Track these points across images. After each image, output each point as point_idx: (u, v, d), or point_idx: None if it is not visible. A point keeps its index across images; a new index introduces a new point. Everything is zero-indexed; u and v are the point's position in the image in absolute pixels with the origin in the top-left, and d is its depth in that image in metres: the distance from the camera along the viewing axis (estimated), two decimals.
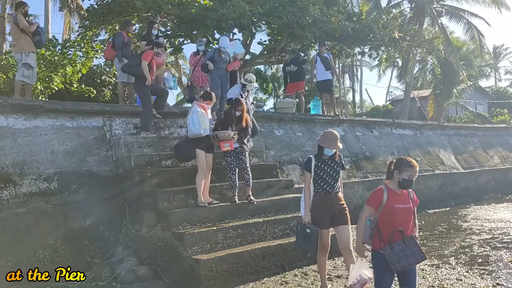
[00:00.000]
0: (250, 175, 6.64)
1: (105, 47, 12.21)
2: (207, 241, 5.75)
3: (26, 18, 8.06)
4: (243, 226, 6.17)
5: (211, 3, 11.69)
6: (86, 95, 13.24)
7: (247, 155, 6.73)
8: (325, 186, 4.85)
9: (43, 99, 11.48)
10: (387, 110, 28.47)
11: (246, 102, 7.14)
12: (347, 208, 4.96)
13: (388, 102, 35.67)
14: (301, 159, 9.60)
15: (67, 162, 6.52)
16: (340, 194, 4.99)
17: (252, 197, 6.69)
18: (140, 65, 7.30)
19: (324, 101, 12.05)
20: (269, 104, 31.02)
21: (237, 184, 6.65)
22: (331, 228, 4.94)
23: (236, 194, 6.65)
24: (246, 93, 7.69)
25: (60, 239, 6.02)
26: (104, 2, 12.88)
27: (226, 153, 6.63)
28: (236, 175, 6.60)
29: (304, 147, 9.89)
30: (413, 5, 22.42)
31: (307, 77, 21.32)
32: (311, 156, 5.00)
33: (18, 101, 6.76)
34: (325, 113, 11.84)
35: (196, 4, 11.54)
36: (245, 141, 6.72)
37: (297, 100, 12.01)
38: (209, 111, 6.82)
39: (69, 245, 6.07)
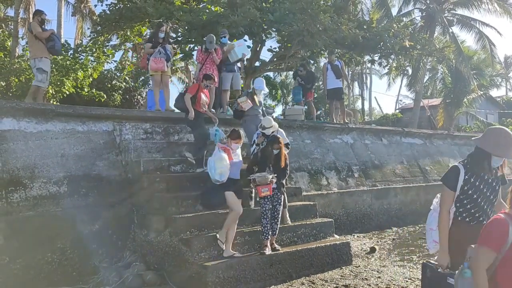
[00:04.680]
0: (278, 225, 6.11)
1: (116, 52, 12.37)
2: (215, 247, 5.73)
3: (43, 26, 8.19)
4: (251, 233, 6.15)
5: (222, 10, 11.77)
6: (97, 100, 13.36)
7: (281, 203, 6.17)
8: (477, 215, 3.19)
9: (54, 103, 11.62)
10: (396, 119, 28.31)
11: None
12: None
13: (397, 111, 35.49)
14: (309, 166, 9.57)
15: (77, 166, 6.56)
16: None
17: (276, 245, 6.11)
18: (182, 98, 7.10)
19: (334, 108, 12.08)
20: (278, 111, 31.05)
21: (269, 231, 5.93)
22: None
23: (268, 244, 5.96)
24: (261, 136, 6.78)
25: (68, 242, 6.05)
26: (116, 8, 13.06)
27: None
28: (269, 220, 5.94)
29: (312, 155, 9.87)
30: (424, 14, 22.37)
31: (316, 84, 21.43)
32: (457, 164, 3.23)
33: (30, 105, 6.84)
34: (335, 120, 11.84)
35: (207, 10, 11.62)
36: (284, 183, 6.15)
37: (306, 107, 12.01)
38: (238, 151, 6.16)
39: (78, 248, 6.10)
